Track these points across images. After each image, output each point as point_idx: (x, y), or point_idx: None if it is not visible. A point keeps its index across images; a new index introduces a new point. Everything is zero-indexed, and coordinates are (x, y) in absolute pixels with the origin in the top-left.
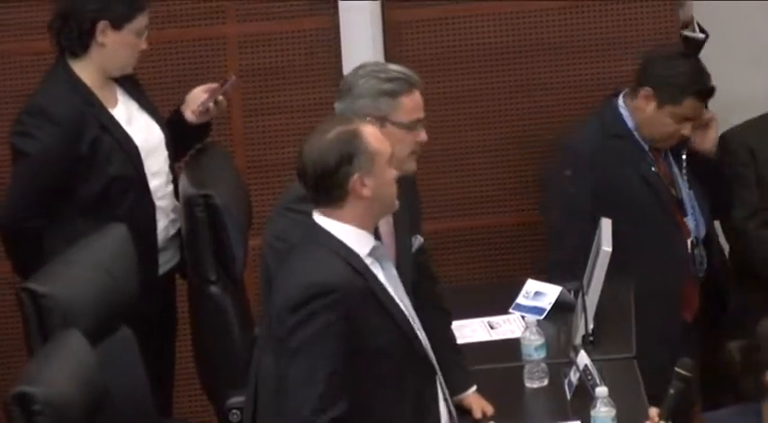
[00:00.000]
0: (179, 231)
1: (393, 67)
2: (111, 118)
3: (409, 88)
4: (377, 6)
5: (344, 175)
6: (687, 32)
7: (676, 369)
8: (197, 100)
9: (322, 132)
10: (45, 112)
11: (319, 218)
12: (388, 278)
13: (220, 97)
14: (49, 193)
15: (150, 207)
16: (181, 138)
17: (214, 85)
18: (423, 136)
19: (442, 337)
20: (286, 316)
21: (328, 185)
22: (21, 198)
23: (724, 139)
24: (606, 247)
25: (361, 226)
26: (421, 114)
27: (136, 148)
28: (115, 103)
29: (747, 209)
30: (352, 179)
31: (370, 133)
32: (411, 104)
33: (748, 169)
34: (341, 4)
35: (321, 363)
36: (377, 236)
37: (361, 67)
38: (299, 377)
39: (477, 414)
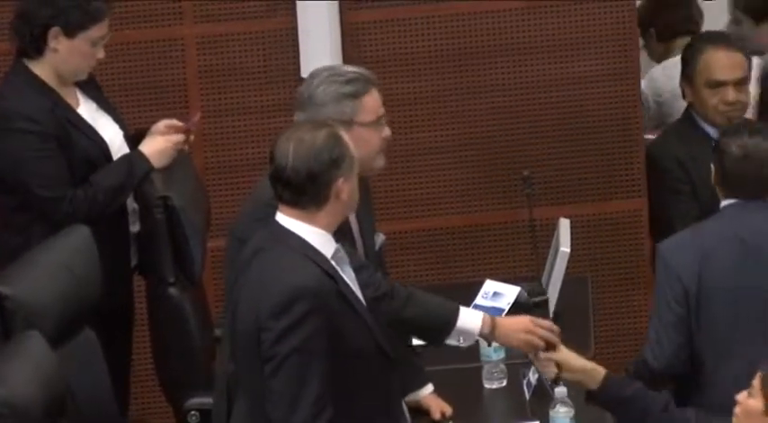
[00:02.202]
0: (136, 233)
1: (348, 68)
2: (79, 117)
3: (369, 87)
4: (335, 7)
5: (333, 179)
6: None
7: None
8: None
9: (306, 135)
10: (12, 110)
11: (284, 219)
12: (350, 281)
13: (191, 137)
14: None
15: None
16: None
17: (178, 124)
18: (387, 131)
19: (397, 337)
20: (271, 322)
21: (316, 188)
22: (48, 189)
23: (652, 155)
24: (564, 247)
25: (327, 229)
26: (382, 110)
27: (106, 145)
28: (77, 104)
29: (689, 223)
30: (337, 183)
31: (347, 137)
32: (373, 103)
33: (683, 184)
34: (299, 5)
35: (314, 366)
36: (342, 237)
37: (313, 75)
38: (291, 381)
39: (436, 415)
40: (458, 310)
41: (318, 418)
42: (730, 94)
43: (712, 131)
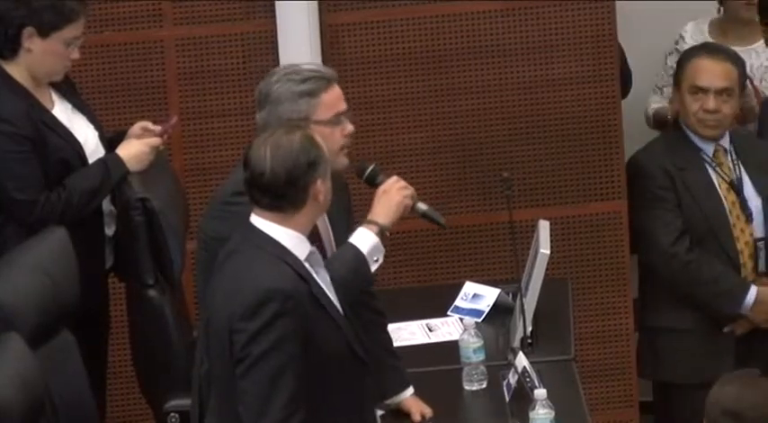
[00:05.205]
0: (113, 234)
1: (306, 66)
2: (54, 118)
3: (326, 84)
4: (314, 9)
5: (311, 181)
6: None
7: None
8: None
9: (281, 140)
10: None
11: (259, 221)
12: (324, 284)
13: (164, 137)
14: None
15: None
16: None
17: (154, 127)
18: (349, 128)
19: (377, 339)
20: (242, 324)
21: (295, 192)
22: (23, 192)
23: (637, 163)
24: (544, 249)
25: (302, 231)
26: (342, 107)
27: (81, 146)
28: (52, 105)
29: (674, 232)
30: (315, 185)
31: (320, 138)
32: (331, 100)
33: (669, 192)
34: (278, 7)
35: (286, 368)
36: (312, 240)
37: (272, 73)
38: (263, 383)
39: (416, 417)
40: (355, 247)
41: (289, 421)
42: (710, 101)
43: (701, 143)
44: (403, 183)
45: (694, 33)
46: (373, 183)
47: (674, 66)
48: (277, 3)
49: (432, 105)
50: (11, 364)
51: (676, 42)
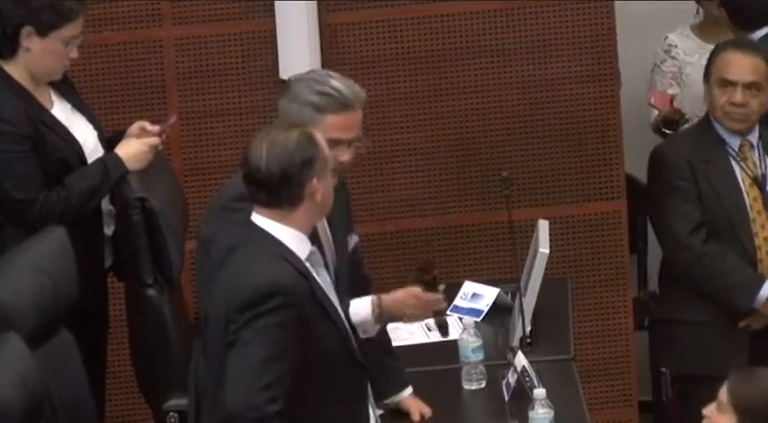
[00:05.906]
0: (112, 234)
1: (335, 82)
2: (53, 118)
3: (339, 108)
4: (313, 9)
5: (306, 179)
6: None
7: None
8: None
9: (279, 137)
10: None
11: (260, 219)
12: (324, 284)
13: (163, 136)
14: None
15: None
16: None
17: (152, 126)
18: (344, 157)
19: (376, 339)
20: (236, 316)
21: (290, 189)
22: (22, 191)
23: (660, 154)
24: (544, 248)
25: (302, 230)
26: (346, 135)
27: (80, 146)
28: (51, 104)
29: (690, 223)
30: (311, 183)
31: (321, 138)
32: (335, 124)
33: (689, 183)
34: (277, 7)
35: (272, 354)
36: (312, 240)
37: (311, 70)
38: (248, 365)
39: (415, 417)
40: (347, 312)
41: (265, 406)
42: (738, 95)
43: (727, 137)
44: (438, 305)
45: (682, 40)
46: (425, 281)
47: (670, 71)
48: (276, 2)
49: (430, 105)
50: (10, 364)
51: (667, 51)
